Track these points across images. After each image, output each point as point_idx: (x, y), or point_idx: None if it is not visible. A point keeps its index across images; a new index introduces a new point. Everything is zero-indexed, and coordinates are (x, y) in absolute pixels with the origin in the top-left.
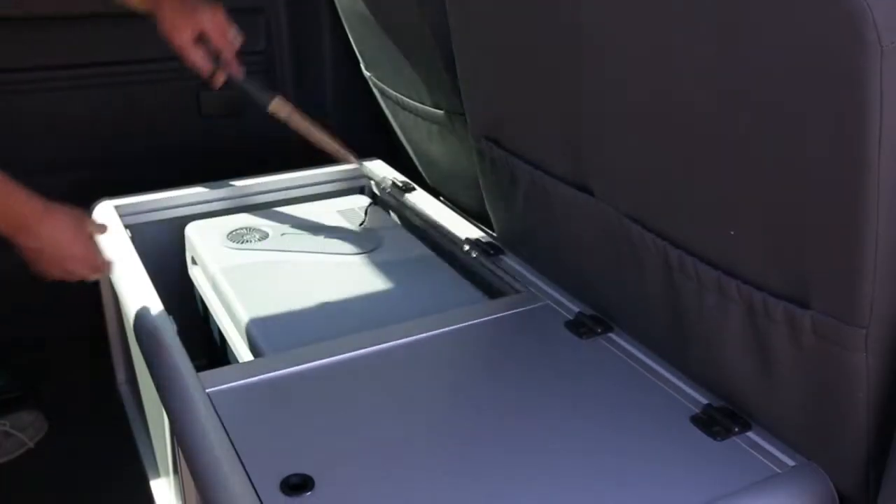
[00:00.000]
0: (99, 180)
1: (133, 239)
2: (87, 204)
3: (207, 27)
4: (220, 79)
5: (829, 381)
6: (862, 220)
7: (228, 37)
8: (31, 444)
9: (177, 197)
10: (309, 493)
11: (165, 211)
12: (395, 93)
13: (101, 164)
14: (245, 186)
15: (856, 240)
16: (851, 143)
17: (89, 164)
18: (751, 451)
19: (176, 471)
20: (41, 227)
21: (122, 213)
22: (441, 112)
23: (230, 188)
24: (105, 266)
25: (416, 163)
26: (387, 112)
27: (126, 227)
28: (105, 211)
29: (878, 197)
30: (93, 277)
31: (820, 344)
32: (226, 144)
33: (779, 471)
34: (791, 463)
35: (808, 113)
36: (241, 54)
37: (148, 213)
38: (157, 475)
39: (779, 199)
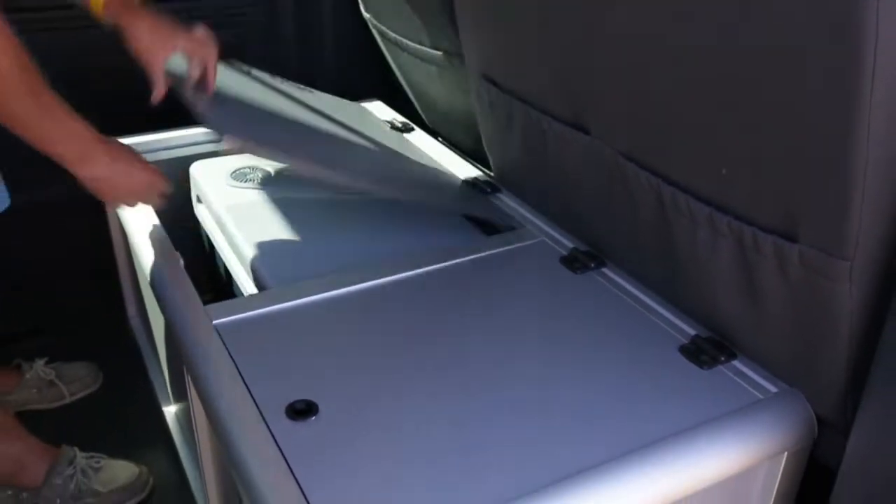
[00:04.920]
0: (105, 120)
1: None
2: None
3: (185, 48)
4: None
5: (814, 312)
6: (852, 156)
7: (206, 54)
8: (68, 399)
9: (182, 136)
10: (313, 417)
11: (171, 150)
12: (394, 34)
13: (106, 104)
14: None
15: (845, 175)
16: (845, 81)
17: (95, 105)
18: (736, 378)
19: (186, 398)
20: (105, 155)
21: None
22: (440, 53)
23: None
24: (167, 189)
25: (416, 104)
26: (386, 54)
27: None
28: None
29: (868, 133)
30: (158, 202)
31: (806, 276)
32: None
33: (762, 397)
34: (773, 389)
35: (803, 51)
36: None
37: (154, 153)
38: (169, 402)
39: (770, 136)
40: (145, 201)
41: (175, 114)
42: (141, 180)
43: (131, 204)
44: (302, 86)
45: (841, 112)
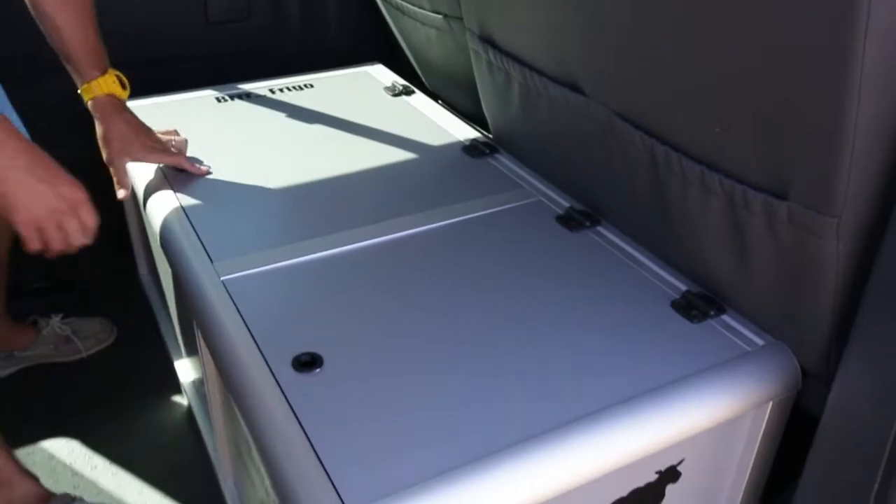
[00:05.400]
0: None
1: None
2: None
3: (153, 161)
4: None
5: (801, 268)
6: (842, 116)
7: (176, 160)
8: (83, 354)
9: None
10: (318, 369)
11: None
12: None
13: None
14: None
15: (835, 134)
16: (837, 39)
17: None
18: (724, 332)
19: (197, 352)
20: (20, 155)
21: None
22: (440, 16)
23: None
24: (93, 221)
25: (416, 67)
26: (387, 17)
27: None
28: None
29: (858, 93)
30: (82, 239)
31: (794, 233)
32: (232, 48)
33: (749, 349)
34: (760, 342)
35: (794, 7)
36: None
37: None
38: (180, 355)
39: (762, 96)
40: (68, 232)
41: (177, 77)
42: (68, 198)
43: (48, 235)
44: (299, 85)
45: (832, 72)
